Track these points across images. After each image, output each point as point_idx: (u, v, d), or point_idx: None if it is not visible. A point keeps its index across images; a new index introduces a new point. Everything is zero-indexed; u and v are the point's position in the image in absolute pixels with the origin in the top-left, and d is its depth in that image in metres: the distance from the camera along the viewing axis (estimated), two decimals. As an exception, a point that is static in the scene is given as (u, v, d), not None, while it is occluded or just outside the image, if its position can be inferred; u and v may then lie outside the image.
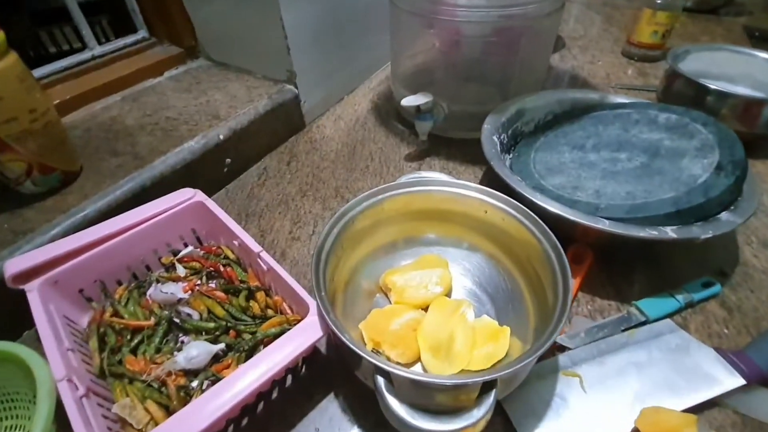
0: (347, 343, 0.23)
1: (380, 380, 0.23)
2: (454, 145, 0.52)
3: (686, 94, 0.51)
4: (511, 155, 0.45)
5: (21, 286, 0.30)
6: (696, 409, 0.27)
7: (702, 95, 0.49)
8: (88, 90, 0.49)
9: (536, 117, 0.47)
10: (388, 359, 0.29)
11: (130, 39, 0.55)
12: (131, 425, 0.25)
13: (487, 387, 0.22)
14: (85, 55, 0.51)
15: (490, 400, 0.22)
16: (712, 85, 0.48)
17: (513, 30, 0.46)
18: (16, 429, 0.28)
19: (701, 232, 0.31)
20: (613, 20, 0.88)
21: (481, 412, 0.21)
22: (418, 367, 0.29)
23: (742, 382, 0.28)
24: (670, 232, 0.31)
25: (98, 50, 0.52)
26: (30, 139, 0.35)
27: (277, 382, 0.30)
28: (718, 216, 0.33)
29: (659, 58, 0.70)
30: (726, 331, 0.33)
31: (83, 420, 0.23)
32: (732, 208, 0.34)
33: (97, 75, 0.51)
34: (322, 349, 0.32)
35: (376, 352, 0.29)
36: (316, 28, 0.52)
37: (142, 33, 0.56)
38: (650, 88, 0.63)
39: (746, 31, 0.81)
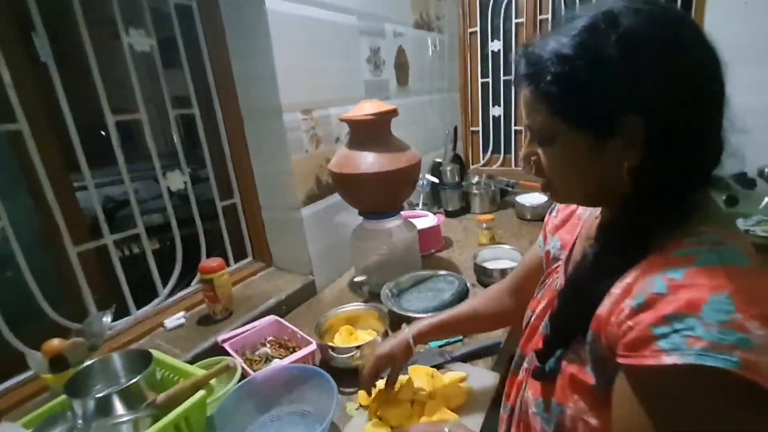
0: (320, 343, 0.86)
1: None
2: (377, 295, 1.19)
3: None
4: (397, 298, 1.12)
5: (222, 344, 0.94)
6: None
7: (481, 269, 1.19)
8: (236, 281, 1.21)
9: (409, 282, 1.16)
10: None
11: (245, 261, 1.32)
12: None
13: None
14: (237, 265, 1.26)
15: None
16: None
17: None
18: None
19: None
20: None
21: None
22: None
23: (447, 359, 0.88)
24: (431, 314, 0.96)
25: (235, 266, 1.27)
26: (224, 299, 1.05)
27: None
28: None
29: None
30: (458, 352, 0.93)
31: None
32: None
33: (237, 275, 1.25)
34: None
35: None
36: (324, 250, 1.27)
37: (249, 258, 1.33)
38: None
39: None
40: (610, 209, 0.49)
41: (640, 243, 0.42)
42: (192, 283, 1.16)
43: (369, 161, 1.07)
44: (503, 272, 1.15)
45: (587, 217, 0.59)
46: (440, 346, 0.94)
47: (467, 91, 2.23)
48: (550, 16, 1.92)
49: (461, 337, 0.96)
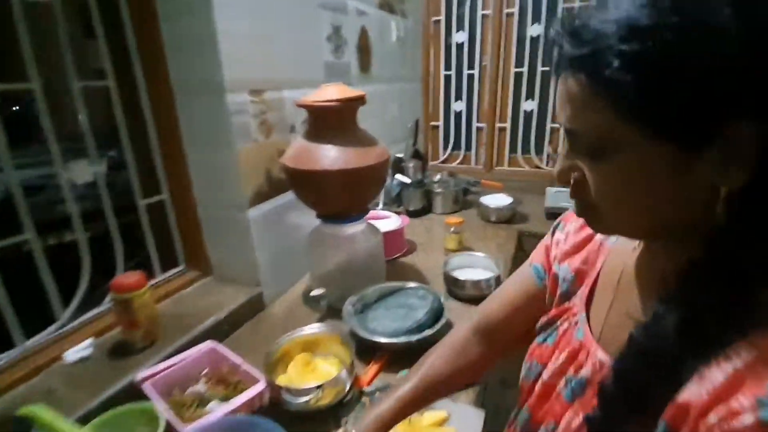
0: (270, 380, 0.70)
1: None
2: (338, 311, 1.03)
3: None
4: (361, 314, 0.97)
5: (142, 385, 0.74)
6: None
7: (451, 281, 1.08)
8: (163, 295, 0.99)
9: (374, 296, 1.02)
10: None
11: (176, 270, 1.09)
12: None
13: None
14: (166, 275, 1.04)
15: None
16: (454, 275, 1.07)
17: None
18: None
19: (416, 338, 0.83)
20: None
21: None
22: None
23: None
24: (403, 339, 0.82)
25: (162, 277, 1.05)
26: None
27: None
28: (425, 331, 0.85)
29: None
30: (435, 379, 0.80)
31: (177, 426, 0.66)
32: (431, 327, 0.86)
33: (165, 287, 1.02)
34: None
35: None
36: (274, 257, 1.09)
37: (182, 266, 1.11)
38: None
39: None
40: (683, 246, 0.37)
41: (748, 302, 0.30)
42: (106, 301, 0.92)
43: (332, 156, 0.90)
44: (476, 284, 1.04)
45: (614, 245, 0.48)
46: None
47: (429, 82, 2.11)
48: (516, 10, 1.85)
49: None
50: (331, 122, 0.93)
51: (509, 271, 1.17)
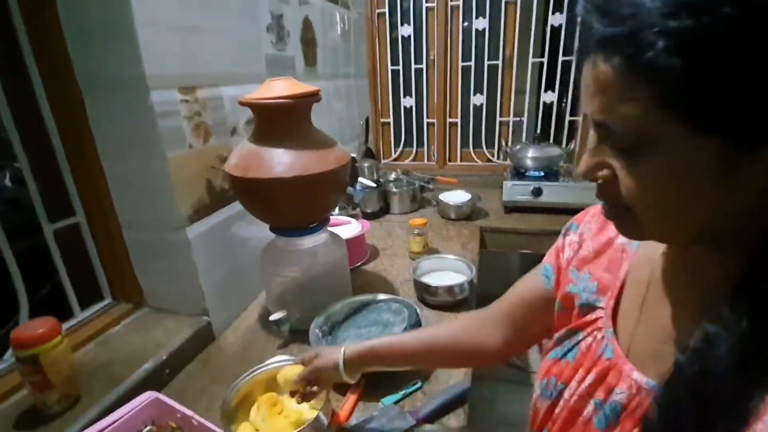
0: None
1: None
2: (303, 333, 0.92)
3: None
4: (330, 336, 0.87)
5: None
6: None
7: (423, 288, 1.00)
8: (85, 339, 0.81)
9: (342, 313, 0.92)
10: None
11: (101, 304, 0.91)
12: None
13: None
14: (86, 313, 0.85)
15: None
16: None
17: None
18: None
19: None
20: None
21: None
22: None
23: (412, 422, 0.67)
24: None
25: (82, 317, 0.87)
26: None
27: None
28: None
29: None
30: (419, 403, 0.72)
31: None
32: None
33: (87, 329, 0.84)
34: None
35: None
36: (222, 279, 0.94)
37: (107, 299, 0.93)
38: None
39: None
40: (724, 254, 0.33)
41: None
42: (6, 356, 0.73)
43: (285, 162, 0.78)
44: (449, 290, 0.98)
45: (638, 250, 0.43)
46: (397, 401, 0.73)
47: (376, 78, 2.03)
48: (461, 2, 1.82)
49: (419, 383, 0.76)
50: (283, 122, 0.81)
51: (478, 270, 1.12)
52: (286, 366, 0.67)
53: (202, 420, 0.64)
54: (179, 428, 0.66)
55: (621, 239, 0.44)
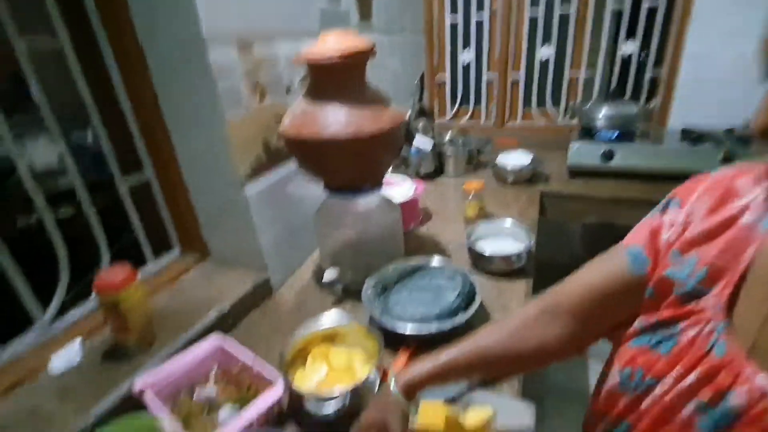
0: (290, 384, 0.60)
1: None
2: (355, 294, 0.93)
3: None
4: (382, 297, 0.87)
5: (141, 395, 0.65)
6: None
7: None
8: (158, 285, 0.89)
9: (394, 276, 0.91)
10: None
11: (171, 255, 0.98)
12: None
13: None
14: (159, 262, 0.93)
15: None
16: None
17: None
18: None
19: (448, 325, 0.73)
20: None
21: None
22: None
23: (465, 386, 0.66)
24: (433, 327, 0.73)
25: (155, 264, 0.94)
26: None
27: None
28: (456, 316, 0.75)
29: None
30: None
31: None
32: (464, 311, 0.76)
33: (160, 277, 0.92)
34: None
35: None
36: (279, 236, 0.97)
37: (176, 251, 1.00)
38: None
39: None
40: None
41: None
42: (92, 297, 0.82)
43: (339, 121, 0.76)
44: (506, 259, 0.94)
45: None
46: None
47: (433, 31, 1.91)
48: (532, -60, 1.62)
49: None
50: (337, 80, 0.78)
51: (536, 239, 1.06)
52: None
53: (261, 366, 0.68)
54: (241, 373, 0.70)
55: (748, 218, 0.37)
